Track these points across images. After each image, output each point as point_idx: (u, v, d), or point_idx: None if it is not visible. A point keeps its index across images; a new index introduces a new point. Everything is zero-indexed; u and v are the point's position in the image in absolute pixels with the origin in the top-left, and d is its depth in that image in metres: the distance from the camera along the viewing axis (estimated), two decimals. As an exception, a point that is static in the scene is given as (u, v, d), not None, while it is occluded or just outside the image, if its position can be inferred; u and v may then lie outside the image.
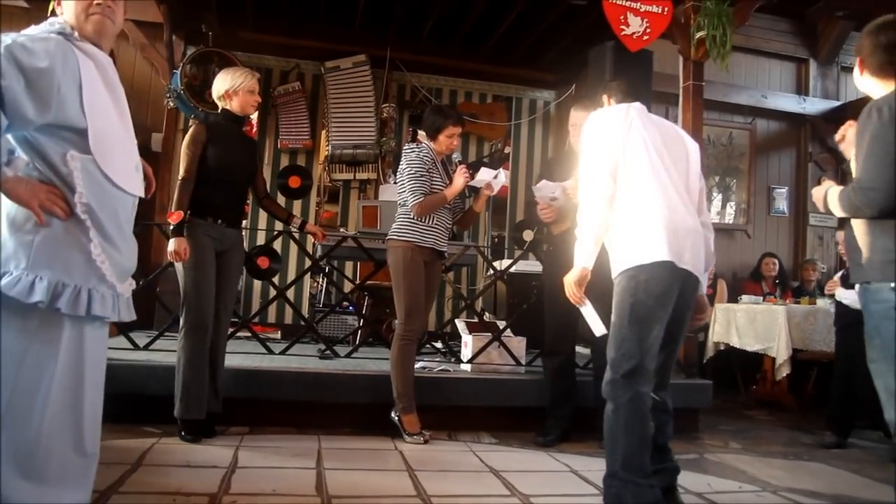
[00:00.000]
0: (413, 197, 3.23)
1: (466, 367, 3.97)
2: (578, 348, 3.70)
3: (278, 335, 5.24)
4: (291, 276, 5.73)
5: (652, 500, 2.11)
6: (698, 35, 4.23)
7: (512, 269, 4.57)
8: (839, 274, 4.13)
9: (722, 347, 5.20)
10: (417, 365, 3.53)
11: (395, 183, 4.69)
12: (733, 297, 5.80)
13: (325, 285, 5.85)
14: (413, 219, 3.26)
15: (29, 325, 1.53)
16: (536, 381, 3.69)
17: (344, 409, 3.47)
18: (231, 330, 3.48)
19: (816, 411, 4.54)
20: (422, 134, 3.49)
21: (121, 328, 3.82)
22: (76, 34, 1.65)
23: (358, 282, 4.70)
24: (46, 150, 1.57)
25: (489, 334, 4.04)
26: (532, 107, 6.80)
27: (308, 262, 4.52)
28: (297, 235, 4.20)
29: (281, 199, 5.64)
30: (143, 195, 1.82)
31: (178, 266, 3.00)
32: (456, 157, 3.52)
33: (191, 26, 5.56)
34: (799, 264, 6.49)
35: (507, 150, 6.74)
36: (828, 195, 2.01)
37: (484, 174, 3.34)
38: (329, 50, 6.01)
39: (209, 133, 3.07)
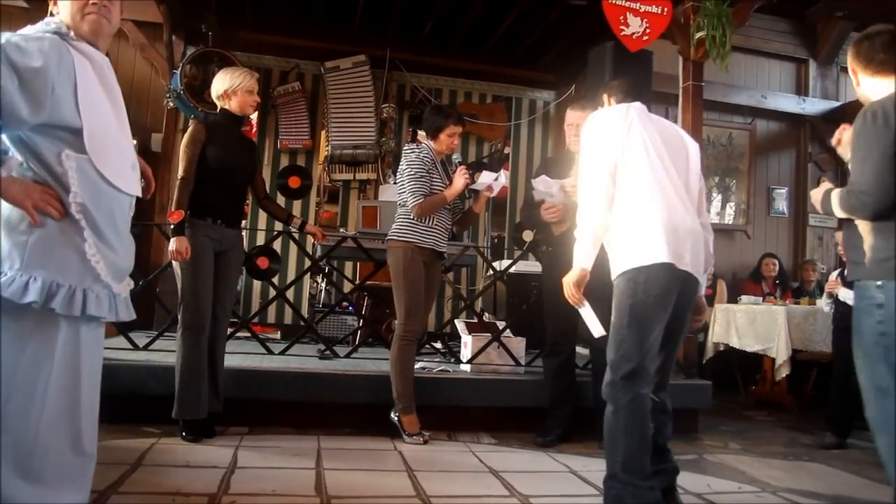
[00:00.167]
0: (413, 198, 3.23)
1: (466, 367, 3.97)
2: (578, 348, 3.70)
3: (278, 335, 5.23)
4: (291, 276, 5.73)
5: (652, 502, 2.11)
6: (698, 35, 4.23)
7: (511, 270, 4.57)
8: (836, 273, 4.12)
9: (721, 348, 5.20)
10: (417, 365, 3.52)
11: (394, 183, 4.70)
12: (733, 298, 5.80)
13: (324, 285, 5.85)
14: (413, 219, 3.26)
15: (24, 325, 1.53)
16: (536, 382, 3.69)
17: (343, 409, 3.47)
18: (231, 330, 3.48)
19: (816, 412, 4.54)
20: (421, 134, 3.49)
21: (120, 328, 3.82)
22: (72, 34, 1.64)
23: (357, 282, 4.70)
24: (41, 150, 1.56)
25: (489, 335, 4.04)
26: (532, 107, 6.80)
27: (308, 263, 4.52)
28: (296, 236, 4.19)
29: (281, 200, 5.65)
30: (140, 194, 1.81)
31: (176, 266, 3.00)
32: (455, 157, 3.53)
33: (190, 26, 5.57)
34: (799, 265, 6.49)
35: (507, 150, 6.74)
36: (826, 197, 2.03)
37: (485, 178, 3.35)
38: (329, 50, 6.01)
39: (208, 133, 3.07)
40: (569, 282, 2.31)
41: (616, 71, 4.19)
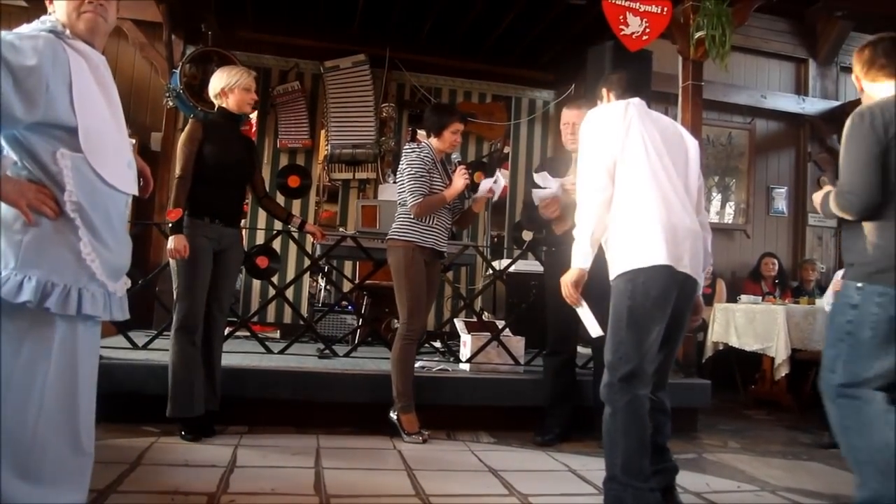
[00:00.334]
0: (413, 197, 3.23)
1: (465, 366, 3.97)
2: (579, 348, 3.70)
3: (277, 334, 5.24)
4: (290, 275, 5.73)
5: (652, 504, 2.10)
6: (697, 35, 4.23)
7: (511, 269, 4.57)
8: (840, 273, 4.12)
9: (721, 347, 5.20)
10: (416, 364, 3.52)
11: (394, 182, 4.70)
12: (732, 297, 5.79)
13: (324, 285, 5.85)
14: (413, 219, 3.26)
15: (20, 325, 1.52)
16: (535, 381, 3.69)
17: (343, 408, 3.47)
18: (230, 329, 3.48)
19: (815, 411, 4.48)
20: (421, 133, 3.50)
21: (119, 327, 3.82)
22: (68, 32, 1.64)
23: (357, 281, 4.70)
24: (36, 149, 1.56)
25: (488, 334, 4.04)
26: (531, 106, 6.80)
27: (307, 262, 4.53)
28: (296, 235, 4.20)
29: (280, 199, 5.66)
30: (136, 193, 1.81)
31: (173, 264, 3.00)
32: (455, 157, 3.53)
33: (190, 26, 5.57)
34: (798, 264, 6.50)
35: (507, 149, 6.74)
36: (826, 200, 2.08)
37: (485, 185, 3.37)
38: (328, 49, 6.02)
39: (205, 131, 3.06)
40: (567, 281, 2.30)
41: (615, 70, 4.18)
